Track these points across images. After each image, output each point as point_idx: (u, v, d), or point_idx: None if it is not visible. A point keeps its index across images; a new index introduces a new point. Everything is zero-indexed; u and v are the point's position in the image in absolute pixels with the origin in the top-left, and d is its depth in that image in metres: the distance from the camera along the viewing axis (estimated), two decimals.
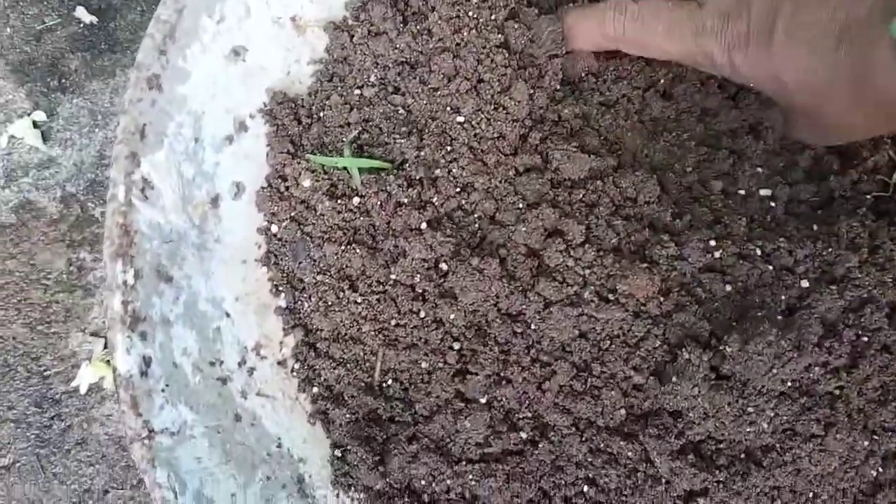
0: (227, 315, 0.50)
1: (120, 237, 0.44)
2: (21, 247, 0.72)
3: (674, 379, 0.45)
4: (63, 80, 0.77)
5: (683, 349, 0.45)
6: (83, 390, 0.69)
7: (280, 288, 0.51)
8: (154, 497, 0.43)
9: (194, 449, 0.46)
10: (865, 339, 0.45)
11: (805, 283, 0.46)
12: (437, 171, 0.49)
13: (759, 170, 0.49)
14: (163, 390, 0.45)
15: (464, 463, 0.48)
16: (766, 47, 0.42)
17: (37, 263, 0.72)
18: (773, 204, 0.49)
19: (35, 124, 0.75)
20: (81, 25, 0.78)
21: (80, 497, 0.67)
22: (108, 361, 0.69)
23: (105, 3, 0.78)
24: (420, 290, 0.49)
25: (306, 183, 0.50)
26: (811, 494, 0.47)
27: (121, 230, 0.44)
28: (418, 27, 0.50)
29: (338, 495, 0.51)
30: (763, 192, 0.49)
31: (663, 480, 0.47)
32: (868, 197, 0.50)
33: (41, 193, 0.74)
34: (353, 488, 0.51)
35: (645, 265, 0.46)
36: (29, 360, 0.70)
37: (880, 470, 0.47)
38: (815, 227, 0.48)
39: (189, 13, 0.47)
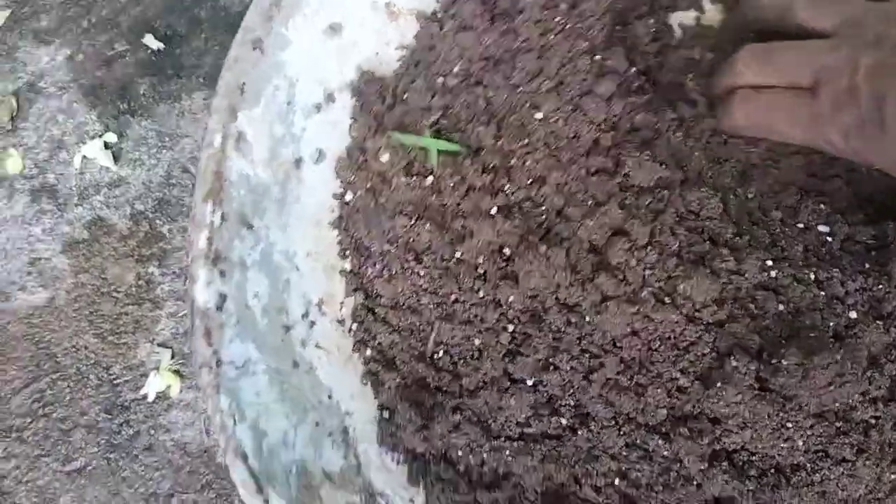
0: (297, 269, 0.54)
1: (212, 182, 0.48)
2: (93, 261, 0.76)
3: (718, 384, 0.47)
4: (132, 104, 0.81)
5: (731, 357, 0.47)
6: (151, 398, 0.72)
7: (347, 252, 0.55)
8: (214, 422, 0.46)
9: (255, 384, 0.49)
10: None
11: (853, 315, 0.48)
12: (513, 161, 0.51)
13: (822, 206, 0.51)
14: (234, 325, 0.48)
15: (503, 439, 0.51)
16: (881, 134, 0.43)
17: (108, 277, 0.76)
18: (829, 239, 0.51)
19: (106, 145, 0.79)
20: (149, 51, 0.82)
21: (146, 500, 0.71)
22: (176, 371, 0.73)
23: (171, 31, 0.83)
24: (482, 271, 0.51)
25: (385, 158, 0.53)
26: None
27: (214, 176, 0.48)
28: (506, 26, 0.53)
29: (379, 453, 0.54)
30: (822, 227, 0.51)
31: (695, 483, 0.49)
32: None
33: (112, 211, 0.78)
34: (396, 449, 0.53)
35: (707, 271, 0.48)
36: (100, 368, 0.74)
37: None
38: (867, 265, 0.50)
39: None
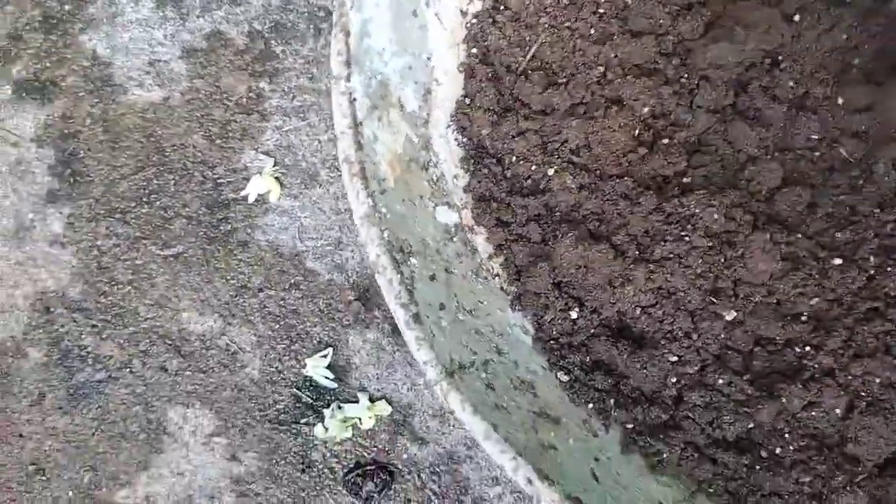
0: None
1: None
2: (209, 69, 0.80)
3: None
4: None
5: None
6: (251, 199, 0.76)
7: None
8: None
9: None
10: None
11: None
12: None
13: None
14: None
15: (557, 159, 0.58)
16: None
17: (221, 86, 0.79)
18: None
19: None
20: None
21: (237, 291, 0.75)
22: (277, 178, 0.77)
23: None
24: (602, 11, 0.59)
25: None
26: None
27: None
28: None
29: (449, 127, 0.61)
30: None
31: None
32: None
33: (231, 26, 0.81)
34: (463, 132, 0.60)
35: None
36: (205, 167, 0.78)
37: None
38: None
39: None
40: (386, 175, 0.54)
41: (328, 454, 0.71)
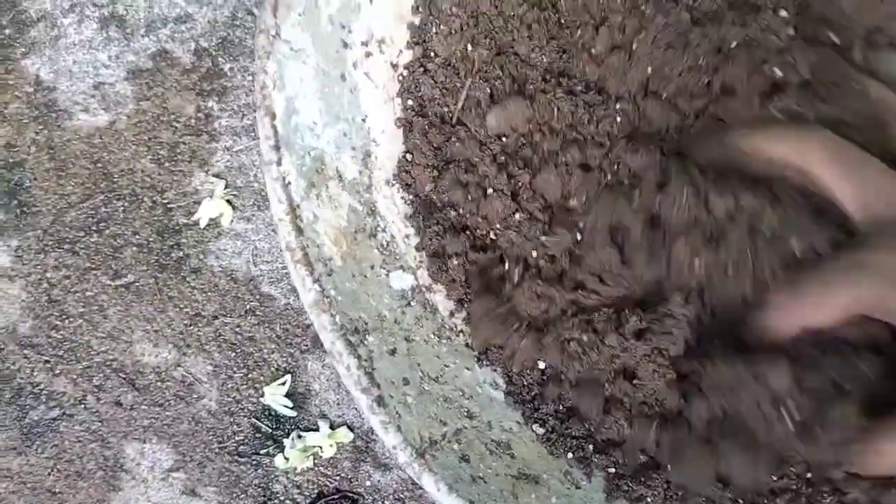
0: (371, 2, 0.58)
1: None
2: (155, 90, 0.77)
3: None
4: None
5: None
6: (203, 224, 0.73)
7: (419, 8, 0.59)
8: (257, 83, 0.50)
9: (302, 71, 0.53)
10: None
11: None
12: None
13: None
14: (300, 14, 0.52)
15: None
16: None
17: (168, 107, 0.77)
18: None
19: None
20: None
21: (191, 319, 0.72)
22: (229, 201, 0.74)
23: None
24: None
25: None
26: None
27: None
28: None
29: (391, 184, 0.58)
30: None
31: None
32: None
33: (177, 45, 0.79)
34: (407, 189, 0.58)
35: None
36: (155, 192, 0.75)
37: None
38: None
39: None
40: (331, 255, 0.51)
41: (290, 485, 0.69)
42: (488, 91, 0.56)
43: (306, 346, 0.71)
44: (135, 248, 0.74)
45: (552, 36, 0.57)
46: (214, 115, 0.77)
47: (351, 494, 0.68)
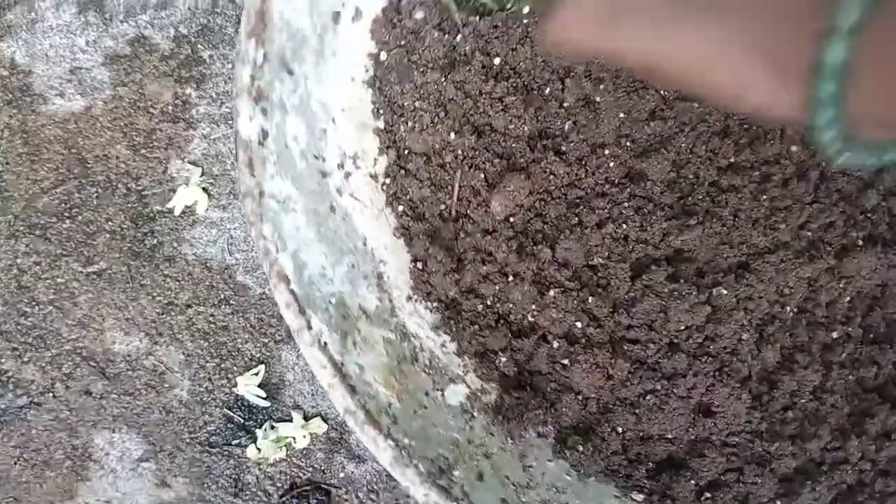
0: (333, 121, 0.55)
1: (256, 21, 0.48)
2: (132, 76, 0.76)
3: None
4: None
5: None
6: (177, 212, 0.73)
7: (381, 111, 0.56)
8: (258, 247, 0.47)
9: (294, 220, 0.50)
10: None
11: None
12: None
13: None
14: (274, 163, 0.49)
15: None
16: None
17: (145, 93, 0.76)
18: None
19: None
20: None
21: (163, 308, 0.71)
22: (205, 189, 0.73)
23: None
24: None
25: (419, 15, 0.54)
26: None
27: (258, 16, 0.48)
28: None
29: (412, 299, 0.55)
30: None
31: None
32: None
33: (156, 31, 0.78)
34: (429, 297, 0.54)
35: None
36: (129, 179, 0.74)
37: None
38: None
39: None
40: (389, 400, 0.48)
41: (262, 476, 0.68)
42: (482, 176, 0.54)
43: (280, 336, 0.70)
44: (108, 235, 0.73)
45: (525, 102, 0.54)
46: (192, 102, 0.76)
47: (324, 486, 0.67)
